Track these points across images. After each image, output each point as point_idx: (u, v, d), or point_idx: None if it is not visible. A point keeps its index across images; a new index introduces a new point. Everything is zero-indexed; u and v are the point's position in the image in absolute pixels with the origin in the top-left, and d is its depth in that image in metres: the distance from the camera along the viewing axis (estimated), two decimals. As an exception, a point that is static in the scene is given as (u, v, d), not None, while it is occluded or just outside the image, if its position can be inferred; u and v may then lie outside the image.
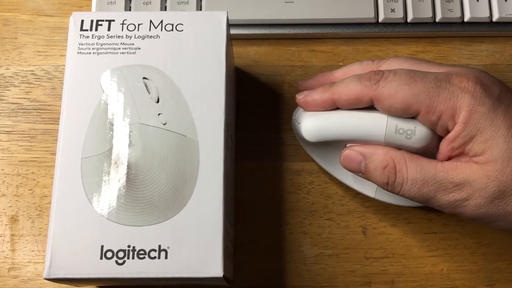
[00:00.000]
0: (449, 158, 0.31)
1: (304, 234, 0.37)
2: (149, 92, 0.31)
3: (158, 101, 0.31)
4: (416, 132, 0.31)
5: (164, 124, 0.31)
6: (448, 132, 0.30)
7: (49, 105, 0.39)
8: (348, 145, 0.33)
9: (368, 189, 0.36)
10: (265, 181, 0.37)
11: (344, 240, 0.36)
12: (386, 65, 0.34)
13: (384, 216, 0.37)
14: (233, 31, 0.40)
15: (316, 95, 0.33)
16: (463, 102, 0.29)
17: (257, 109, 0.39)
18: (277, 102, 0.39)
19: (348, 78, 0.32)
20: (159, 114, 0.31)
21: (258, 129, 0.39)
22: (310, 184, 0.37)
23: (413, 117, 0.31)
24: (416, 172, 0.30)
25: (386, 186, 0.32)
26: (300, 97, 0.34)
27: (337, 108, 0.33)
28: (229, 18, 0.33)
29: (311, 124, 0.34)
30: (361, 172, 0.33)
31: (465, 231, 0.37)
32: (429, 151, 0.32)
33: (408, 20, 0.40)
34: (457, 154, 0.30)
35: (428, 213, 0.37)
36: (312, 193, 0.37)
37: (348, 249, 0.36)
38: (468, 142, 0.30)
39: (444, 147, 0.31)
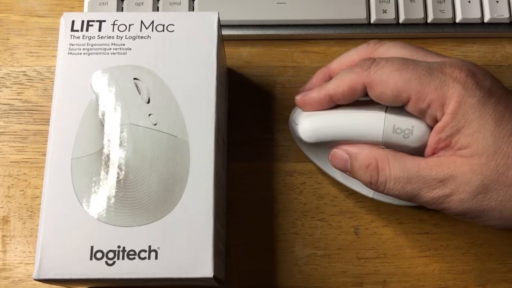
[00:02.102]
0: (435, 150, 0.31)
1: (296, 234, 0.37)
2: (139, 93, 0.31)
3: (148, 102, 0.31)
4: (413, 132, 0.31)
5: (155, 125, 0.31)
6: (436, 122, 0.30)
7: (41, 106, 0.39)
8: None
9: (366, 189, 0.36)
10: (257, 182, 0.37)
11: (336, 240, 0.36)
12: (383, 51, 0.33)
13: (376, 217, 0.37)
14: (225, 31, 0.40)
15: (313, 94, 0.33)
16: (454, 92, 0.29)
17: (249, 110, 0.39)
18: (269, 103, 0.39)
19: (341, 72, 0.33)
20: (149, 114, 0.31)
21: (250, 130, 0.39)
22: (302, 184, 0.37)
23: (409, 114, 0.31)
24: (399, 171, 0.30)
25: (370, 185, 0.32)
26: (298, 98, 0.34)
27: (335, 108, 0.33)
28: (221, 18, 0.33)
29: (309, 125, 0.34)
30: (348, 171, 0.33)
31: (457, 232, 0.37)
32: None
33: (400, 21, 0.40)
34: (444, 147, 0.30)
35: (420, 214, 0.37)
36: (304, 193, 0.37)
37: (340, 249, 0.36)
38: (455, 134, 0.29)
39: (432, 139, 0.30)
